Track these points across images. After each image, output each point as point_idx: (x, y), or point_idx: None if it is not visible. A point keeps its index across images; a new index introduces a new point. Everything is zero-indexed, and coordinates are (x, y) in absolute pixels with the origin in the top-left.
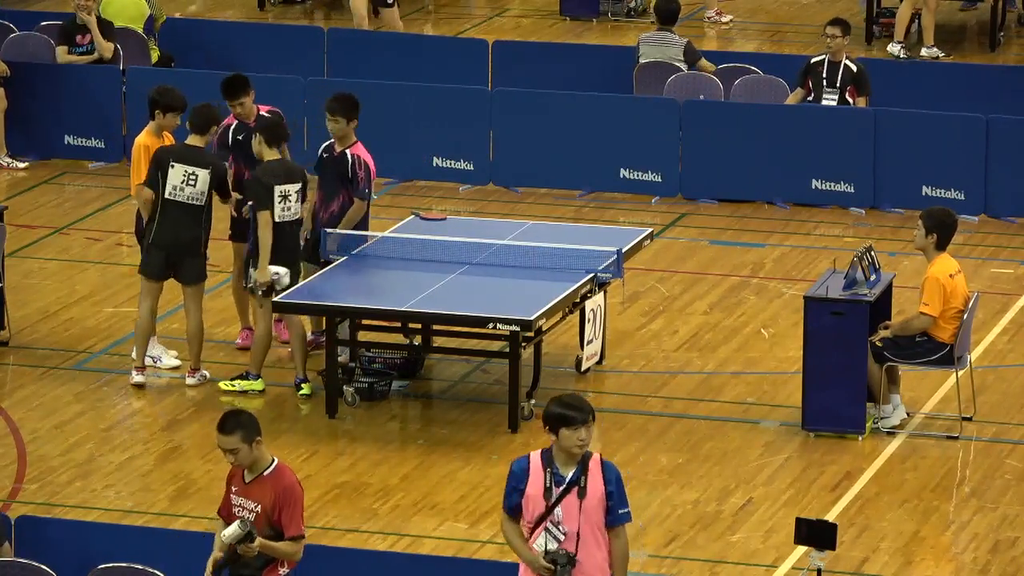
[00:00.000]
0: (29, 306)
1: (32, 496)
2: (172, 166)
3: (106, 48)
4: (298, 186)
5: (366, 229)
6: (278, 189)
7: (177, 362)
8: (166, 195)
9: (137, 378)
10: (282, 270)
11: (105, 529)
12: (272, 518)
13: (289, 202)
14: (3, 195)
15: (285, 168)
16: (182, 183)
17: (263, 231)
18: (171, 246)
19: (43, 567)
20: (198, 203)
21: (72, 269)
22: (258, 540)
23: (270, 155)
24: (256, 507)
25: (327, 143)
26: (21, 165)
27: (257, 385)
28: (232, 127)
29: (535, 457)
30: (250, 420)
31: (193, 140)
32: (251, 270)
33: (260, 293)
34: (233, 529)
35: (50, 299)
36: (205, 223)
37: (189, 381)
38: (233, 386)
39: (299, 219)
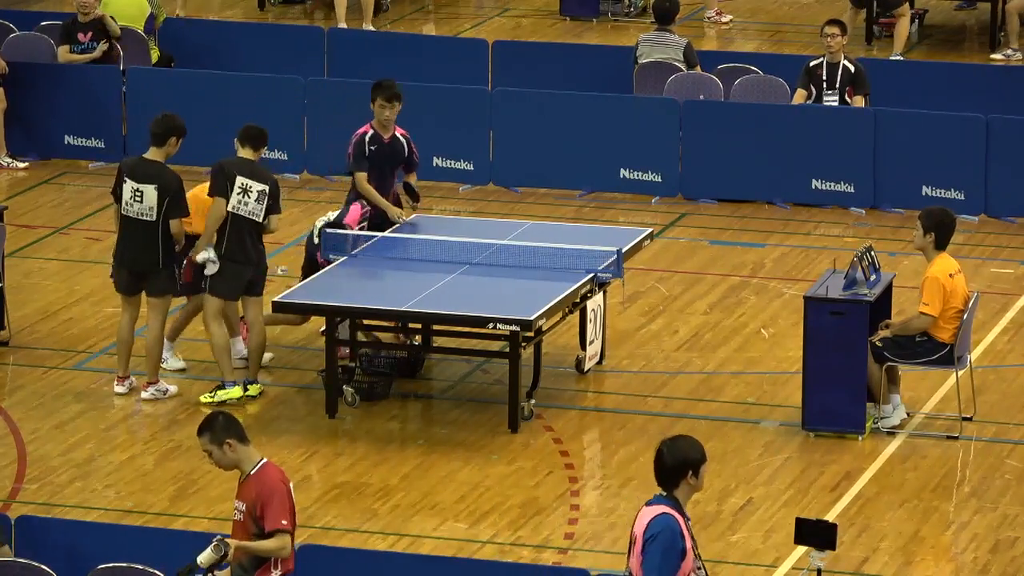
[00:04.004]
0: (29, 306)
1: (32, 496)
2: (125, 181)
3: (114, 29)
4: (262, 187)
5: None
6: (240, 180)
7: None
8: (123, 211)
9: (118, 388)
10: (209, 254)
11: (105, 529)
12: (255, 516)
13: (248, 197)
14: (3, 195)
15: (252, 168)
16: (131, 199)
17: (211, 213)
18: (131, 263)
19: (43, 567)
20: (149, 219)
21: (72, 269)
22: (233, 544)
23: (242, 153)
24: (243, 507)
25: (370, 134)
26: (21, 165)
27: (234, 393)
28: (369, 135)
29: (669, 510)
30: (225, 423)
31: (152, 153)
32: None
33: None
34: (207, 554)
35: (50, 299)
36: (164, 238)
37: (143, 395)
38: (212, 397)
39: (257, 222)
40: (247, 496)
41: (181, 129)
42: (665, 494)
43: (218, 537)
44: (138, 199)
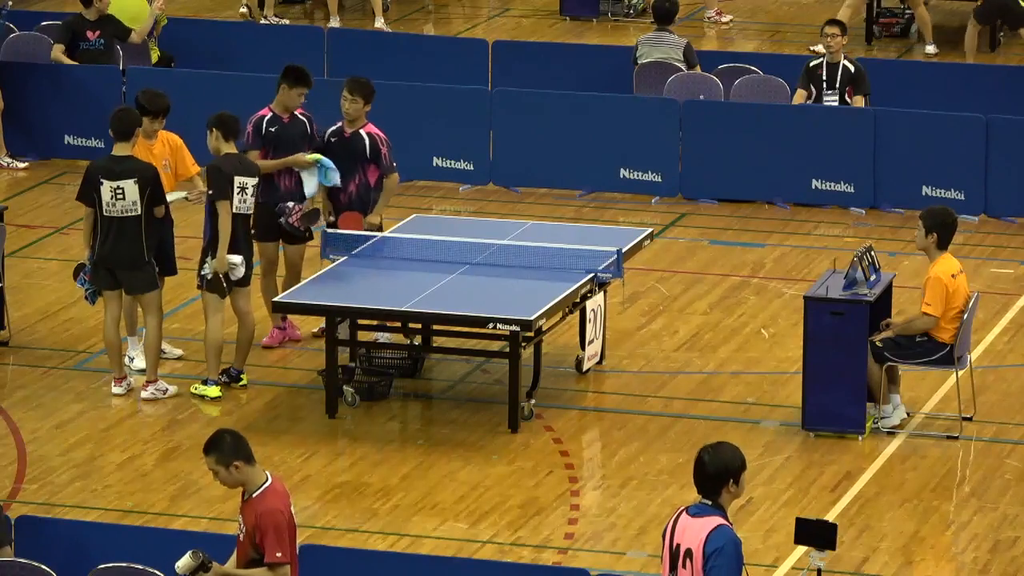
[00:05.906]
0: (29, 306)
1: (32, 496)
2: (101, 183)
3: (126, 31)
4: (255, 180)
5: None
6: (237, 180)
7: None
8: (103, 212)
9: (116, 389)
10: (238, 259)
11: (105, 529)
12: (255, 541)
13: (245, 195)
14: (3, 195)
15: (242, 162)
16: (112, 199)
17: (223, 220)
18: (112, 261)
19: (43, 567)
20: (134, 214)
21: (72, 269)
22: (214, 568)
23: (227, 149)
24: (244, 528)
25: (334, 128)
26: (21, 165)
27: (212, 391)
28: (267, 118)
29: (725, 521)
30: (233, 444)
31: (120, 149)
32: (208, 259)
33: (208, 284)
34: (184, 560)
35: (50, 299)
36: (147, 232)
37: (143, 395)
38: (194, 390)
39: (251, 214)
40: (248, 519)
41: (140, 119)
42: (710, 503)
43: (195, 549)
44: (120, 196)
